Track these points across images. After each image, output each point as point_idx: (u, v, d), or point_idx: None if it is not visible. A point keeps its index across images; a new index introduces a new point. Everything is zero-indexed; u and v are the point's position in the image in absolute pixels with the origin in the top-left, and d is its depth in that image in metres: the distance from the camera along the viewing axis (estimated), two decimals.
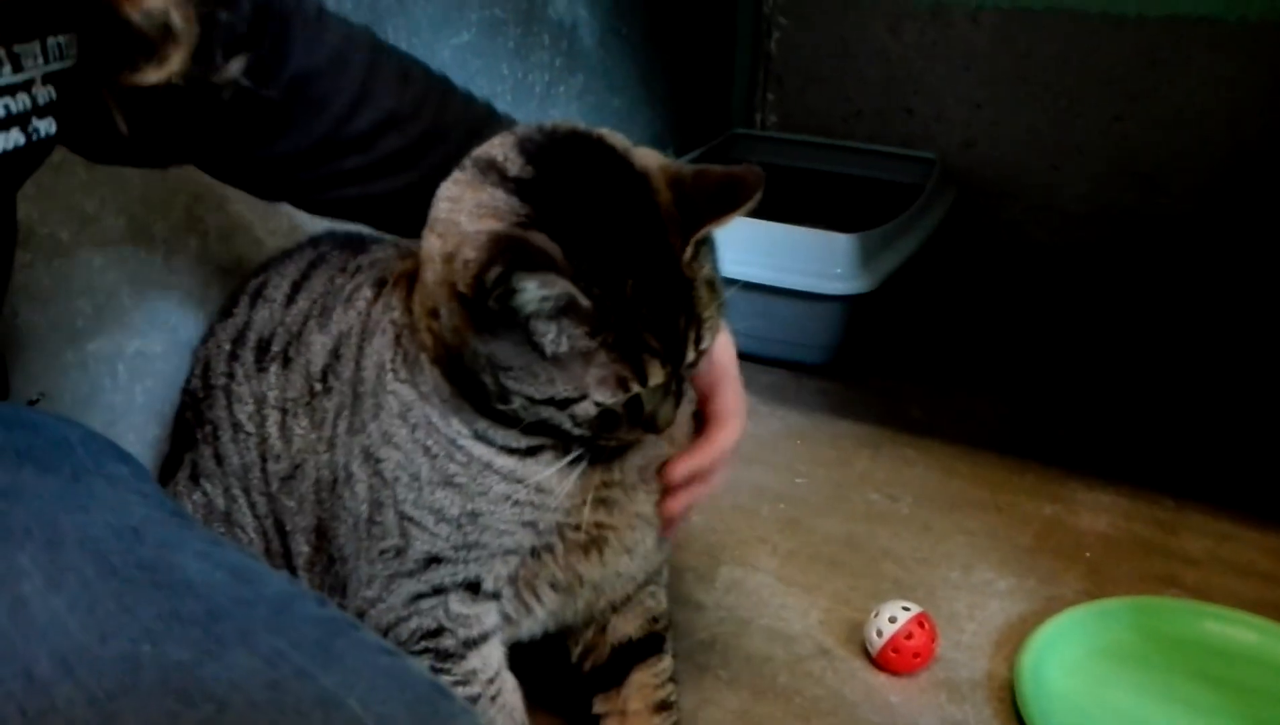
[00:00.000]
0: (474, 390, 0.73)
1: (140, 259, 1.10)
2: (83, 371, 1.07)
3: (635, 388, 0.69)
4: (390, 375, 0.77)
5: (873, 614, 1.11)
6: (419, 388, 0.76)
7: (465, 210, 0.70)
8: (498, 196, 0.69)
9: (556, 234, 0.66)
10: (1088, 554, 1.30)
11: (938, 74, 2.12)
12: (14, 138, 0.60)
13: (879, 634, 1.09)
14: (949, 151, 2.10)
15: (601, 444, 0.75)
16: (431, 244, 0.73)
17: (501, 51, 1.59)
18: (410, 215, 0.80)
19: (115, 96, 0.64)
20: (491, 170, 0.71)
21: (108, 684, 0.52)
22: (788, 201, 2.01)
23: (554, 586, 0.85)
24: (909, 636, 1.08)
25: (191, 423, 0.95)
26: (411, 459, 0.76)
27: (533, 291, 0.64)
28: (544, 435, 0.75)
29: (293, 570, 0.89)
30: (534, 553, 0.82)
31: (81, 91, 0.66)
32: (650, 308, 0.68)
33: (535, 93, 1.68)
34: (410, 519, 0.78)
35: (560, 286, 0.64)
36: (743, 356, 0.87)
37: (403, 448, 0.77)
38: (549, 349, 0.67)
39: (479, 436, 0.75)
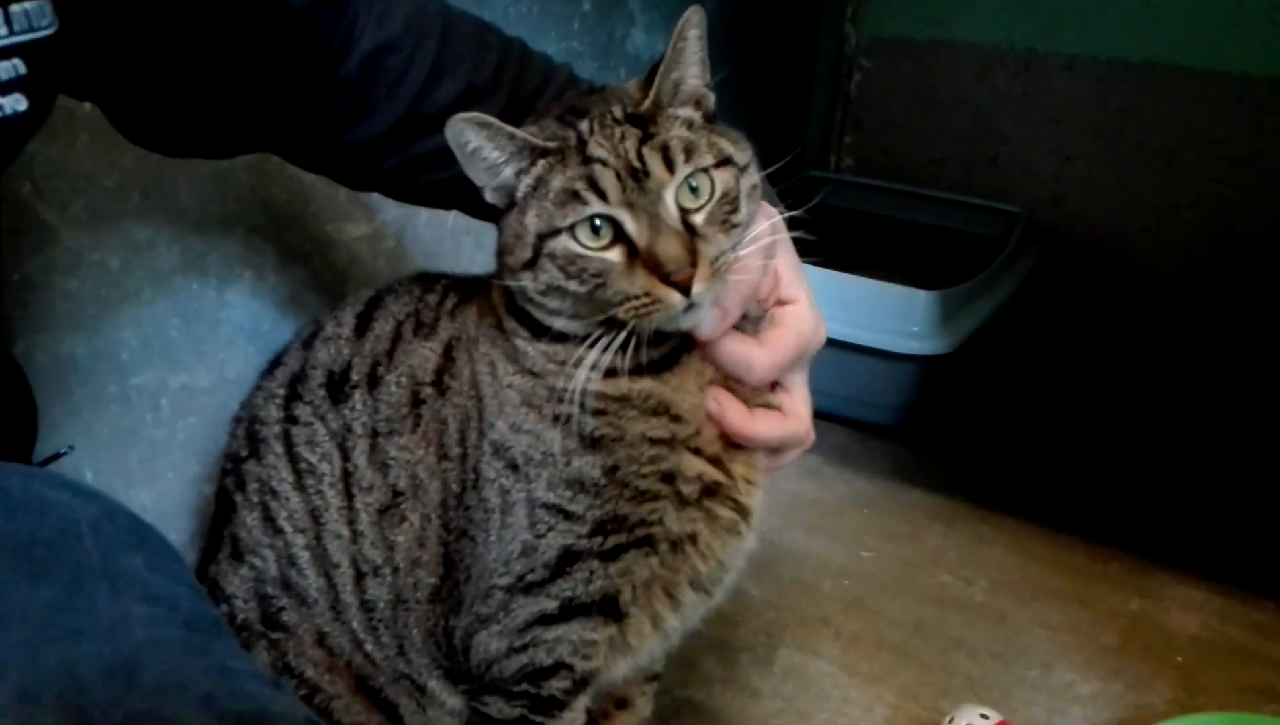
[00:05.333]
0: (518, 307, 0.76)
1: (191, 291, 1.05)
2: (124, 406, 1.02)
3: (590, 196, 0.68)
4: (502, 371, 0.77)
5: (947, 719, 1.02)
6: (529, 368, 0.76)
7: None
8: None
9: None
10: (1179, 658, 1.20)
11: (1027, 124, 2.03)
12: None
13: None
14: (1035, 205, 2.00)
15: (634, 313, 0.68)
16: None
17: None
18: None
19: None
20: None
21: None
22: (862, 248, 1.94)
23: (694, 585, 0.82)
24: None
25: (231, 490, 0.89)
26: (542, 437, 0.75)
27: (477, 139, 0.70)
28: (581, 322, 0.73)
29: (369, 618, 0.84)
30: (676, 546, 0.79)
31: (77, 63, 0.61)
32: (602, 135, 0.71)
33: None
34: (545, 505, 0.75)
35: (492, 128, 0.70)
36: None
37: (533, 431, 0.75)
38: (520, 191, 0.73)
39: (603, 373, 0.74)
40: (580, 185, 0.69)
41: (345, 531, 0.84)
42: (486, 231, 0.81)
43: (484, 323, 0.80)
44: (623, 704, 0.98)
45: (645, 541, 0.78)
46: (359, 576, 0.84)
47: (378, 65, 0.76)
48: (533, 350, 0.76)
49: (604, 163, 0.69)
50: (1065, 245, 2.00)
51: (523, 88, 0.81)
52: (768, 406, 0.78)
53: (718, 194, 0.71)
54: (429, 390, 0.82)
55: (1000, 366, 1.82)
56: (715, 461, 0.78)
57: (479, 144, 0.70)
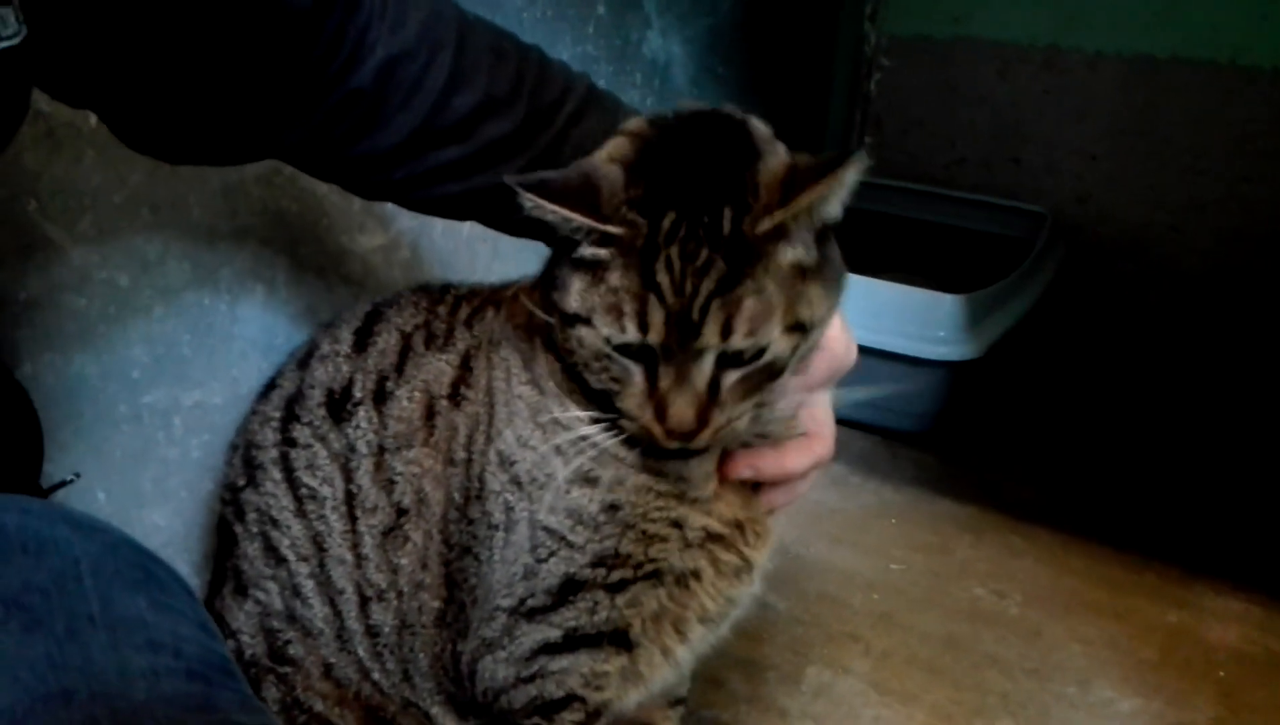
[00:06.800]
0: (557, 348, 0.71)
1: (203, 306, 1.03)
2: (136, 424, 1.00)
3: (631, 327, 0.62)
4: (515, 379, 0.75)
5: None
6: (541, 387, 0.73)
7: None
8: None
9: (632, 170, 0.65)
10: (1220, 673, 1.16)
11: (1050, 123, 1.99)
12: None
13: None
14: (1059, 205, 1.96)
15: (633, 430, 0.67)
16: None
17: None
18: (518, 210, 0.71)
19: None
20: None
21: None
22: (883, 250, 1.90)
23: (703, 620, 0.79)
24: None
25: (231, 521, 0.87)
26: (546, 460, 0.73)
27: (530, 204, 0.64)
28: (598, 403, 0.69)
29: (375, 645, 0.82)
30: (681, 581, 0.76)
31: (53, 69, 0.57)
32: (678, 254, 0.62)
33: None
34: (546, 528, 0.73)
35: (544, 209, 0.63)
36: (835, 420, 0.78)
37: (537, 449, 0.73)
38: (580, 252, 0.65)
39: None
40: (628, 307, 0.62)
41: (349, 556, 0.81)
42: (503, 241, 0.78)
43: (511, 323, 0.78)
44: None
45: (652, 575, 0.75)
46: (363, 602, 0.81)
47: (392, 75, 0.72)
48: (543, 357, 0.73)
49: (661, 297, 0.62)
50: (1090, 246, 1.96)
51: (541, 98, 0.76)
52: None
53: (762, 362, 0.64)
54: (444, 403, 0.79)
55: (1027, 371, 1.78)
56: (727, 522, 0.76)
57: (531, 206, 0.64)
